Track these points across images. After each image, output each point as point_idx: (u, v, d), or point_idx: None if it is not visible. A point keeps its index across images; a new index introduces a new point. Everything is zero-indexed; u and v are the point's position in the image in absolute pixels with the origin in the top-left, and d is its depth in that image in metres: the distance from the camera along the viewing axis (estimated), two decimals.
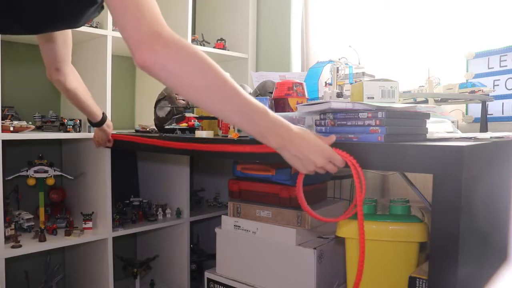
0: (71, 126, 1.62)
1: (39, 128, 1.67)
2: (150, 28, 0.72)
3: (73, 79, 1.32)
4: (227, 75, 0.79)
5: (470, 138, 0.98)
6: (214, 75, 0.76)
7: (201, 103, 0.79)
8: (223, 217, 1.61)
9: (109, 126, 1.57)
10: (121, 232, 1.72)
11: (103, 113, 1.51)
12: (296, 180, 0.95)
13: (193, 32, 2.21)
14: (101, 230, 1.69)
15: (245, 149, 1.10)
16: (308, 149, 0.82)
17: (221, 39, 2.17)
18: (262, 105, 0.81)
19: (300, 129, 0.84)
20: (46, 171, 1.63)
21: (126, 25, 0.72)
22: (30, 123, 1.52)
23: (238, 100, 0.78)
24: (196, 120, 1.47)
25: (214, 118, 1.52)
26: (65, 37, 1.20)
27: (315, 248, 1.36)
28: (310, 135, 0.85)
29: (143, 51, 0.71)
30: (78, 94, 1.36)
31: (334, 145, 0.88)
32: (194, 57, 0.75)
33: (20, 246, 1.47)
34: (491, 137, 1.03)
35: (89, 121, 1.51)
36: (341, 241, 1.31)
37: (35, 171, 1.61)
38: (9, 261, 1.44)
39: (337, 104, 0.97)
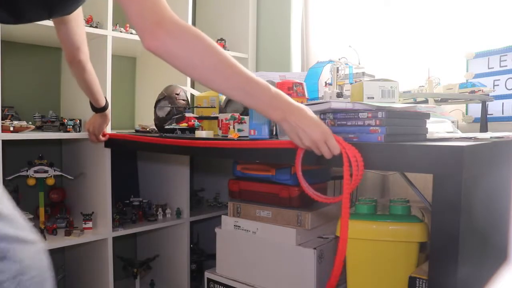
0: (71, 126, 1.62)
1: (39, 128, 1.67)
2: (152, 15, 0.78)
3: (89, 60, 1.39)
4: (228, 55, 0.84)
5: (470, 138, 0.98)
6: (215, 56, 0.82)
7: (206, 83, 0.85)
8: (223, 217, 1.61)
9: (107, 115, 1.58)
10: (121, 232, 1.72)
11: (106, 99, 1.54)
12: (295, 156, 0.95)
13: None
14: (101, 230, 1.69)
15: (245, 146, 1.10)
16: (306, 122, 0.85)
17: (221, 39, 2.17)
18: (264, 82, 0.86)
19: (301, 105, 0.88)
20: (46, 171, 1.63)
21: (132, 14, 0.79)
22: (30, 123, 1.52)
23: (240, 78, 0.84)
24: (196, 120, 1.47)
25: (214, 118, 1.52)
26: (75, 16, 1.24)
27: (315, 248, 1.36)
28: (310, 112, 0.88)
29: (147, 37, 0.78)
30: (94, 76, 1.42)
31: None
32: (196, 40, 0.80)
33: None
34: (491, 137, 1.03)
35: (92, 107, 1.52)
36: None
37: (35, 171, 1.61)
38: None
39: (337, 104, 0.97)
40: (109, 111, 1.58)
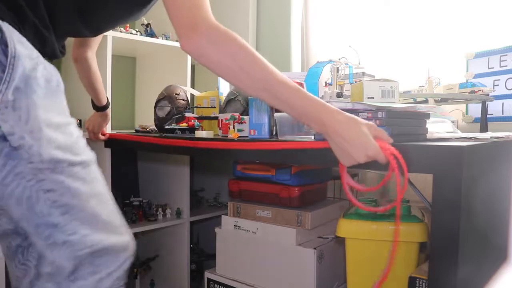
0: None
1: None
2: (189, 18, 0.79)
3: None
4: (264, 61, 0.82)
5: (470, 138, 0.98)
6: (249, 62, 0.81)
7: (241, 89, 0.85)
8: (223, 217, 1.61)
9: (108, 114, 1.58)
10: None
11: (107, 98, 1.55)
12: (340, 172, 0.87)
13: None
14: None
15: (245, 146, 1.10)
16: (350, 144, 0.78)
17: None
18: (304, 92, 0.81)
19: (348, 118, 0.79)
20: None
21: (171, 16, 0.81)
22: None
23: (275, 85, 0.80)
24: (196, 120, 1.47)
25: (214, 118, 1.52)
26: None
27: (315, 248, 1.36)
28: (357, 128, 0.78)
29: (183, 40, 0.80)
30: (98, 74, 1.42)
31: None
32: (231, 44, 0.81)
33: None
34: (491, 137, 1.03)
35: (94, 105, 1.53)
36: (341, 241, 1.31)
37: None
38: None
39: (337, 104, 0.97)
40: (109, 110, 1.58)
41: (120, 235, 0.87)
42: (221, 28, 0.81)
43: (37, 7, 0.83)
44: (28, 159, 0.73)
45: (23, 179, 0.74)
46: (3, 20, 0.74)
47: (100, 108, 1.53)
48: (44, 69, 0.78)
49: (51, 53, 0.90)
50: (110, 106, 1.57)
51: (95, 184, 0.84)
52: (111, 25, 1.08)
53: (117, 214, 0.89)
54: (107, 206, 0.86)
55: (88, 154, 0.85)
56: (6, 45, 0.71)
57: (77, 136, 0.84)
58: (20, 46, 0.74)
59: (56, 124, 0.78)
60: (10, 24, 0.75)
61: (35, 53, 0.77)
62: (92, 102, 1.51)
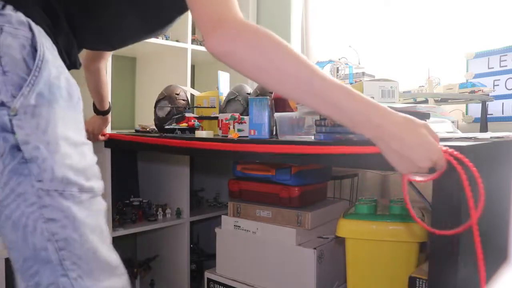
0: None
1: None
2: (215, 17, 0.71)
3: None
4: (306, 60, 0.71)
5: (470, 138, 0.98)
6: (284, 58, 0.70)
7: (276, 90, 0.75)
8: (223, 217, 1.61)
9: (108, 117, 1.58)
10: (121, 232, 1.71)
11: (109, 103, 1.55)
12: (402, 183, 0.74)
13: (193, 32, 2.21)
14: None
15: (245, 148, 1.10)
16: (411, 148, 0.67)
17: None
18: (353, 91, 0.70)
19: (405, 119, 0.69)
20: None
21: (196, 17, 0.73)
22: None
23: (321, 86, 0.69)
24: (196, 120, 1.47)
25: (214, 118, 1.52)
26: None
27: (315, 248, 1.36)
28: (416, 129, 0.68)
29: (210, 40, 0.71)
30: (106, 82, 1.43)
31: None
32: (263, 39, 0.71)
33: None
34: (491, 137, 1.03)
35: (95, 109, 1.52)
36: (341, 241, 1.31)
37: None
38: (9, 261, 1.43)
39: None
40: (110, 114, 1.58)
41: (117, 278, 0.77)
42: (252, 24, 0.73)
43: (72, 20, 0.82)
44: (38, 176, 0.67)
45: (25, 202, 0.66)
46: (37, 24, 0.72)
47: (101, 113, 1.53)
48: (67, 81, 0.74)
49: (73, 65, 0.88)
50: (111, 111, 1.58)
51: (99, 218, 0.76)
52: (131, 43, 1.06)
53: (114, 252, 0.80)
54: (106, 243, 0.77)
55: (99, 183, 0.77)
56: (36, 49, 0.69)
57: (91, 160, 0.77)
58: (49, 52, 0.71)
59: (73, 141, 0.72)
60: (44, 30, 0.73)
61: (60, 62, 0.75)
62: (94, 106, 1.51)
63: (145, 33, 1.02)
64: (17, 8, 0.71)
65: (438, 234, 0.73)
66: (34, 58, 0.68)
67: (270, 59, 0.69)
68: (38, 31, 0.71)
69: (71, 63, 0.87)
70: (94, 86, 1.41)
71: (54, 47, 0.76)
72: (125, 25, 0.94)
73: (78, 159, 0.72)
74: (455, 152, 0.70)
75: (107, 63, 1.38)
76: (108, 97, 1.51)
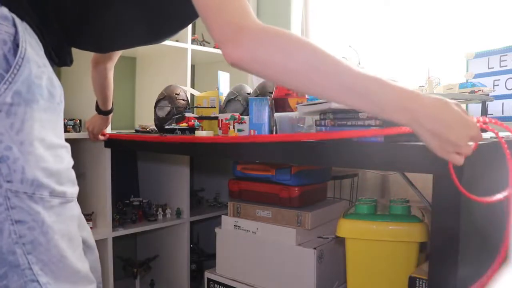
0: (71, 126, 1.62)
1: None
2: (234, 25, 0.67)
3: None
4: (326, 52, 0.68)
5: None
6: (310, 57, 0.67)
7: (305, 90, 0.73)
8: (223, 217, 1.61)
9: (109, 118, 1.58)
10: (121, 232, 1.71)
11: (112, 104, 1.54)
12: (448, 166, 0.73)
13: (193, 32, 2.21)
14: (101, 230, 1.69)
15: (247, 140, 1.10)
16: (448, 126, 0.66)
17: None
18: (382, 78, 0.67)
19: (436, 99, 0.67)
20: None
21: (210, 26, 0.69)
22: None
23: (345, 75, 0.67)
24: (196, 120, 1.47)
25: (214, 118, 1.52)
26: None
27: (315, 248, 1.36)
28: (450, 107, 0.67)
29: (228, 49, 0.67)
30: (111, 83, 1.42)
31: None
32: (287, 40, 0.67)
33: None
34: (491, 137, 1.03)
35: (98, 109, 1.52)
36: (341, 241, 1.31)
37: None
38: None
39: (337, 104, 0.97)
40: (111, 114, 1.58)
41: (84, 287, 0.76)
42: (272, 27, 0.68)
43: (64, 19, 0.80)
44: (7, 176, 0.65)
45: None
46: (22, 19, 0.70)
47: (103, 112, 1.52)
48: (49, 81, 0.72)
49: (63, 63, 0.86)
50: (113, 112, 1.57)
51: (70, 224, 0.74)
52: (129, 48, 1.07)
53: (84, 261, 0.78)
54: (76, 251, 0.75)
55: (73, 189, 0.75)
56: (18, 45, 0.67)
57: (68, 163, 0.75)
58: (31, 49, 0.69)
59: (49, 143, 0.71)
60: (31, 27, 0.71)
61: (44, 61, 0.73)
62: (97, 105, 1.51)
63: (147, 42, 1.01)
64: (1, 3, 0.69)
65: (479, 201, 0.74)
66: (15, 55, 0.66)
67: (297, 60, 0.67)
68: (23, 27, 0.69)
69: (61, 61, 0.85)
70: (99, 85, 1.40)
71: (40, 45, 0.74)
72: (126, 32, 0.92)
73: (53, 162, 0.71)
74: (487, 119, 0.72)
75: (113, 64, 1.37)
76: (112, 98, 1.50)
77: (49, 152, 0.70)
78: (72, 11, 0.82)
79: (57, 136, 0.74)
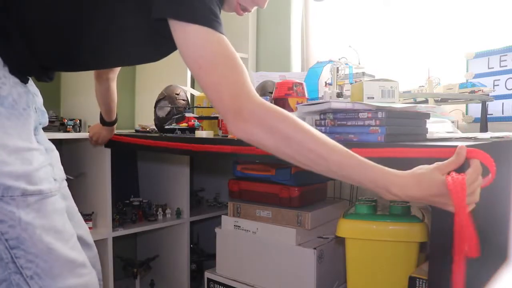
0: (71, 126, 1.62)
1: None
2: (231, 101, 0.73)
3: None
4: (318, 135, 0.73)
5: (470, 138, 0.98)
6: (302, 141, 0.73)
7: (296, 164, 0.77)
8: (223, 217, 1.61)
9: (114, 129, 1.57)
10: (121, 232, 1.72)
11: (116, 115, 1.53)
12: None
13: None
14: (101, 230, 1.69)
15: (245, 150, 1.10)
16: (434, 201, 0.72)
17: None
18: (367, 170, 0.71)
19: (412, 176, 0.71)
20: None
21: (212, 103, 0.76)
22: None
23: (331, 165, 0.72)
24: (196, 120, 1.47)
25: (214, 118, 1.52)
26: None
27: (315, 248, 1.36)
28: (430, 183, 0.70)
29: (229, 123, 0.75)
30: (115, 94, 1.41)
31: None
32: (280, 125, 0.73)
33: None
34: (491, 137, 1.03)
35: (102, 120, 1.51)
36: (341, 241, 1.31)
37: None
38: None
39: (337, 104, 0.97)
40: (115, 125, 1.57)
41: (78, 277, 0.78)
42: (269, 106, 0.74)
43: (35, 43, 0.81)
44: None
45: None
46: None
47: (107, 123, 1.51)
48: (10, 90, 0.75)
49: (40, 79, 0.89)
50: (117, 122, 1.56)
51: (53, 217, 0.77)
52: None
53: (80, 251, 0.81)
54: (68, 242, 0.78)
55: (49, 185, 0.79)
56: None
57: (38, 164, 0.78)
58: None
59: (14, 148, 0.74)
60: None
61: (4, 73, 0.75)
62: (101, 116, 1.50)
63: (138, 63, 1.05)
64: None
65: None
66: None
67: (289, 143, 0.72)
68: None
69: (39, 77, 0.88)
70: (101, 96, 1.39)
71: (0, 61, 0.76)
72: (126, 56, 1.00)
73: (20, 165, 0.74)
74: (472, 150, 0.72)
75: (116, 75, 1.35)
76: (116, 109, 1.48)
77: (14, 156, 0.74)
78: (43, 32, 0.82)
79: (24, 140, 0.77)
